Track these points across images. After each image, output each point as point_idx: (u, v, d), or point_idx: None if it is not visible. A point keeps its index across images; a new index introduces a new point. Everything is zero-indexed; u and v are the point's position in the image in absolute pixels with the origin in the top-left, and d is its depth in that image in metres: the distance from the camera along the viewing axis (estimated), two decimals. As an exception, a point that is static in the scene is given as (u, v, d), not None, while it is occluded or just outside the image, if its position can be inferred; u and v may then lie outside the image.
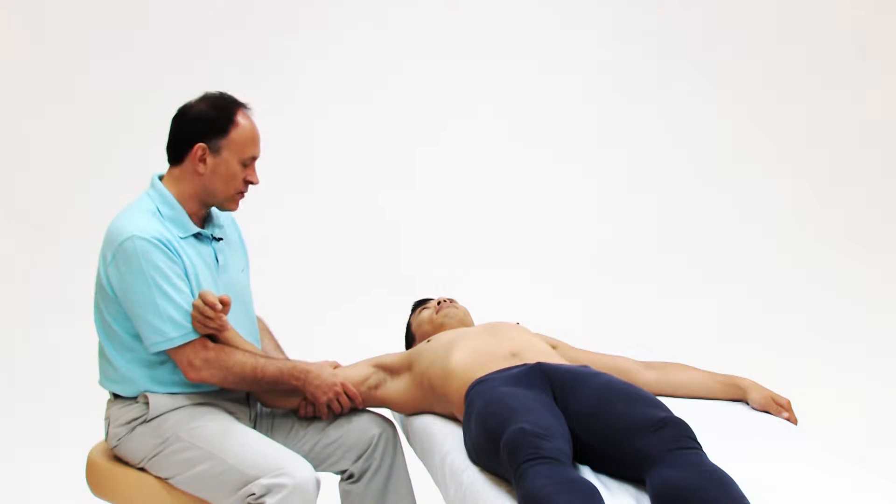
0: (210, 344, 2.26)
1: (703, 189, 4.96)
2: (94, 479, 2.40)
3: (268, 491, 2.16)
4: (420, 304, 2.95)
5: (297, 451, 2.41)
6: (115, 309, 2.26)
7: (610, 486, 1.99)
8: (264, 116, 4.66)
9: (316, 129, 4.62)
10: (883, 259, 4.97)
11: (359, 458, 2.49)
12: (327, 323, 4.33)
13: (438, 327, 2.76)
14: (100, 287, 2.28)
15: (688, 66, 4.97)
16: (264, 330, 2.64)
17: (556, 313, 4.20)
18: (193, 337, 2.23)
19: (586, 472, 2.04)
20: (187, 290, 2.24)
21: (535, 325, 2.80)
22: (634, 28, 4.94)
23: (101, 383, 2.38)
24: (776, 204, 4.99)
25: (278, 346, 2.61)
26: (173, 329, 2.20)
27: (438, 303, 2.85)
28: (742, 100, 5.01)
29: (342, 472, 2.51)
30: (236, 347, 2.31)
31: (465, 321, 2.80)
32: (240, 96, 2.39)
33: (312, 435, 2.49)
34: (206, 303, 2.19)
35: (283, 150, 4.53)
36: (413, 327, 2.90)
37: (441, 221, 4.70)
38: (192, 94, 2.38)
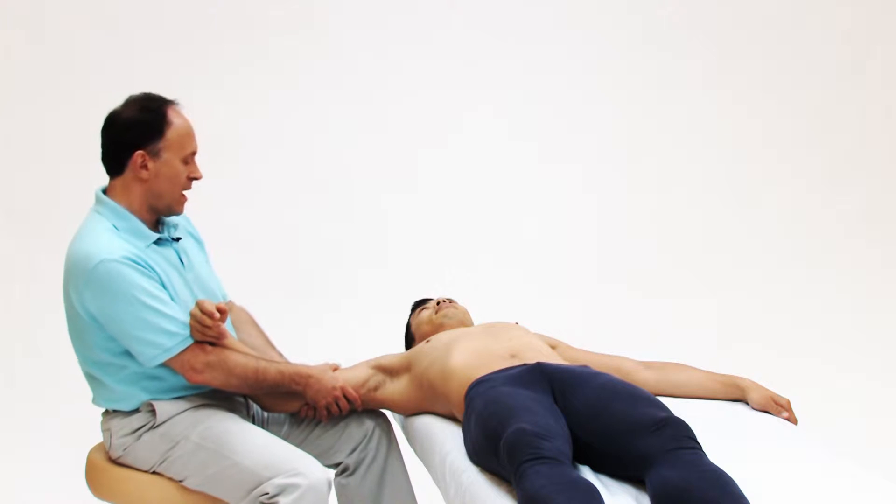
0: (209, 347, 2.25)
1: (702, 189, 4.96)
2: (95, 479, 2.39)
3: (282, 490, 2.17)
4: (419, 305, 2.95)
5: (293, 444, 2.42)
6: (97, 335, 2.23)
7: (610, 486, 1.99)
8: (264, 117, 4.67)
9: (316, 131, 4.61)
10: (883, 259, 4.97)
11: (354, 450, 2.51)
12: (327, 324, 4.33)
13: (438, 327, 2.76)
14: (75, 316, 2.24)
15: (688, 65, 4.97)
16: (250, 322, 2.61)
17: (556, 314, 4.19)
18: (189, 342, 2.22)
19: (586, 472, 2.04)
20: (168, 299, 2.23)
21: (534, 326, 2.80)
22: (634, 28, 4.94)
23: (97, 402, 2.36)
24: (776, 203, 4.99)
25: (268, 340, 2.59)
26: (168, 339, 2.19)
27: (438, 303, 2.85)
28: (742, 100, 5.01)
29: (337, 465, 2.53)
30: (237, 350, 2.31)
31: (465, 321, 2.80)
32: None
33: (307, 429, 2.51)
34: (203, 312, 2.18)
35: (283, 151, 4.53)
36: (412, 328, 2.89)
37: (441, 222, 4.70)
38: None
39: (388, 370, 2.59)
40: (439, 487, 2.31)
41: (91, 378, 2.32)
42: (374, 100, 4.67)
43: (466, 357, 2.40)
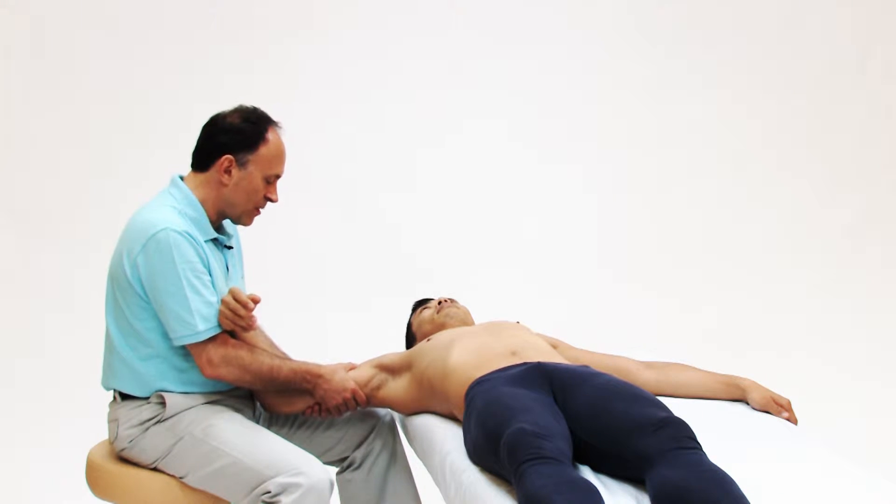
0: (230, 341, 2.28)
1: (702, 189, 4.96)
2: (95, 479, 2.39)
3: (283, 490, 2.18)
4: (420, 304, 2.95)
5: (298, 441, 2.46)
6: (135, 303, 2.26)
7: (610, 486, 1.99)
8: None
9: (316, 131, 4.61)
10: (882, 259, 4.97)
11: (360, 444, 2.55)
12: (330, 324, 4.33)
13: (439, 327, 2.76)
14: (120, 281, 2.27)
15: (688, 66, 4.97)
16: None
17: (557, 313, 4.20)
18: (218, 331, 2.25)
19: (586, 472, 2.04)
20: (211, 285, 2.27)
21: (535, 325, 2.80)
22: (634, 28, 4.94)
23: (108, 383, 2.36)
24: (776, 204, 4.99)
25: (272, 343, 2.61)
26: (202, 322, 2.22)
27: (439, 302, 2.85)
28: (742, 100, 5.01)
29: (343, 461, 2.55)
30: (254, 346, 2.33)
31: (466, 321, 2.80)
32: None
33: (312, 426, 2.53)
34: (237, 300, 2.20)
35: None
36: (414, 327, 2.90)
37: (442, 222, 4.70)
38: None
39: (390, 369, 2.59)
40: (439, 487, 2.31)
41: (113, 352, 2.32)
42: (374, 100, 4.68)
43: (466, 356, 2.40)
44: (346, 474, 2.55)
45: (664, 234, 4.87)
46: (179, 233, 2.22)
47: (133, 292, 2.25)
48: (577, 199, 4.88)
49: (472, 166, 4.77)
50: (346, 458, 2.55)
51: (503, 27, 4.83)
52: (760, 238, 4.94)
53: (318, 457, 2.42)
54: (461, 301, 2.90)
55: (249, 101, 2.43)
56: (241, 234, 2.59)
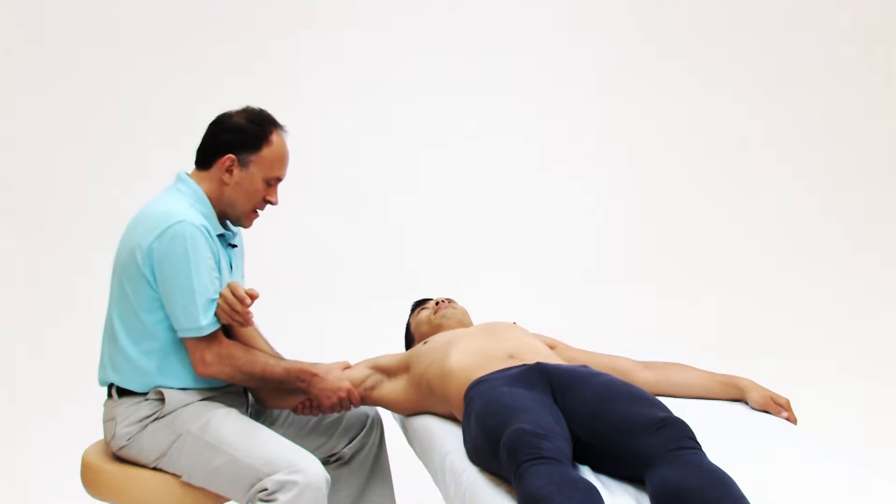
0: (224, 340, 2.29)
1: (703, 189, 4.96)
2: (91, 479, 2.38)
3: (280, 487, 2.18)
4: (419, 305, 2.95)
5: (291, 436, 2.47)
6: (146, 294, 2.26)
7: (610, 486, 2.00)
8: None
9: (318, 132, 4.61)
10: (883, 259, 4.97)
11: (352, 440, 2.58)
12: (330, 324, 4.33)
13: (437, 328, 2.76)
14: (131, 272, 2.26)
15: (687, 66, 4.97)
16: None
17: (556, 313, 4.20)
18: (218, 327, 2.26)
19: (586, 472, 2.04)
20: (219, 285, 2.28)
21: (533, 326, 2.80)
22: (634, 28, 4.94)
23: (106, 377, 2.35)
24: (776, 203, 4.99)
25: (267, 343, 2.62)
26: (204, 318, 2.23)
27: (437, 303, 2.85)
28: (742, 100, 5.01)
29: (331, 456, 2.57)
30: (249, 345, 2.34)
31: (464, 321, 2.80)
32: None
33: (305, 421, 2.55)
34: (235, 295, 2.21)
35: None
36: (412, 328, 2.90)
37: (442, 222, 4.70)
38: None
39: (386, 370, 2.60)
40: (439, 487, 2.31)
41: (114, 344, 2.31)
42: (375, 100, 4.68)
43: (465, 358, 2.40)
44: (333, 468, 2.57)
45: (663, 234, 4.87)
46: (197, 227, 2.23)
47: (144, 282, 2.25)
48: (576, 198, 4.88)
49: (473, 166, 4.77)
50: (334, 454, 2.57)
51: (503, 27, 4.83)
52: (760, 238, 4.94)
53: (311, 451, 2.43)
54: (460, 301, 2.90)
55: (253, 102, 2.43)
56: (242, 234, 2.59)
